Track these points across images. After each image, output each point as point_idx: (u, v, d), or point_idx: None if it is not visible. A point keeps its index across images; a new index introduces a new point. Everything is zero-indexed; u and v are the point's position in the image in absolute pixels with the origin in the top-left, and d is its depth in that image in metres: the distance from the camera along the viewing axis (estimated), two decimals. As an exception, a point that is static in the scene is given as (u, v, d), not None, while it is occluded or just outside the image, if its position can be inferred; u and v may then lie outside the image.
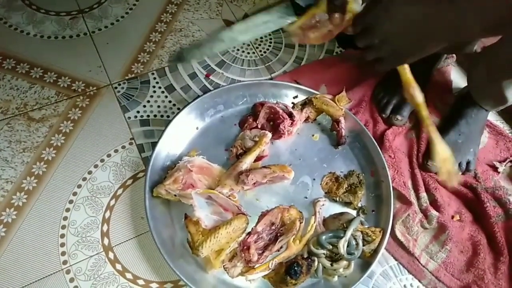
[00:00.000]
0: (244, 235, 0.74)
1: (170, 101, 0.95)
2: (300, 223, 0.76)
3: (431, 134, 0.65)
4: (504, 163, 0.93)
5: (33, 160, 0.85)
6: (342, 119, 0.88)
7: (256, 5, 1.13)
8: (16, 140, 0.87)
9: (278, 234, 0.75)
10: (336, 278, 0.75)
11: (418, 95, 0.64)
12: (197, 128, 0.88)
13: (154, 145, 0.84)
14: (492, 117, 1.00)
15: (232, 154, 0.84)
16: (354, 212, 0.82)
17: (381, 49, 0.62)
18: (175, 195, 0.76)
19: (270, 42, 1.07)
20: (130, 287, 0.75)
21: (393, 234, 0.81)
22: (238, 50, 1.04)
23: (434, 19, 0.56)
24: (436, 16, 0.56)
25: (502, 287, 0.78)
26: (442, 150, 0.66)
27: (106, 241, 0.78)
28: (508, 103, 0.84)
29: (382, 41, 0.61)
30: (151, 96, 0.95)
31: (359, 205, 0.83)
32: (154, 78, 0.98)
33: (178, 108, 0.94)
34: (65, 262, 0.76)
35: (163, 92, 0.96)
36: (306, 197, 0.83)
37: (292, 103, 0.92)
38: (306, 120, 0.91)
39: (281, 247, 0.75)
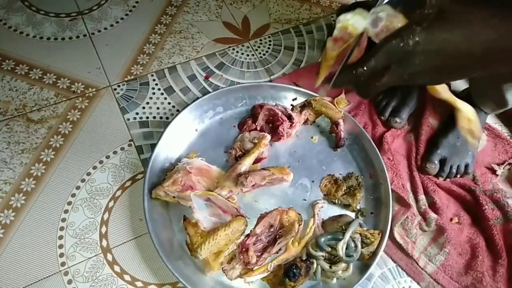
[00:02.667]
0: (242, 237, 0.74)
1: (169, 103, 0.95)
2: (299, 225, 0.76)
3: (451, 99, 0.57)
4: (503, 166, 0.93)
5: (31, 161, 0.85)
6: (341, 122, 0.88)
7: (256, 7, 1.13)
8: (15, 141, 0.87)
9: (277, 236, 0.75)
10: (334, 280, 0.75)
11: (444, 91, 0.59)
12: (196, 130, 0.88)
13: (153, 146, 0.84)
14: (491, 120, 1.00)
15: (231, 156, 0.84)
16: (353, 215, 0.82)
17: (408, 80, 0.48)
18: (174, 197, 0.76)
19: (270, 44, 1.07)
20: (129, 289, 0.75)
21: (391, 237, 0.81)
22: (237, 52, 1.05)
23: (484, 45, 0.43)
24: (485, 42, 0.43)
25: (500, 290, 0.79)
26: (467, 109, 0.62)
27: (104, 243, 0.78)
28: (509, 106, 0.85)
29: (410, 76, 0.47)
30: (150, 98, 0.95)
31: (358, 207, 0.83)
32: (154, 80, 0.98)
33: (177, 110, 0.94)
34: (63, 264, 0.76)
35: (162, 93, 0.96)
36: (305, 199, 0.83)
37: (291, 105, 0.92)
38: (305, 122, 0.91)
39: (279, 249, 0.74)
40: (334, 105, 0.89)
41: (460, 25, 0.43)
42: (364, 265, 0.76)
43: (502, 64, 0.46)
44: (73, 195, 0.82)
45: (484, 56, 0.44)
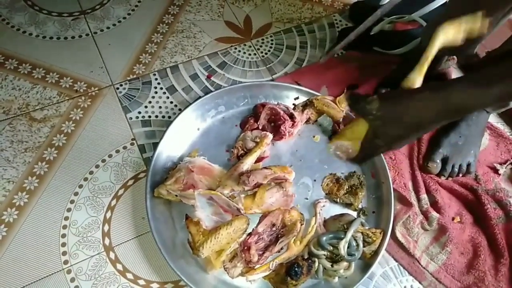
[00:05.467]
0: (244, 235, 0.74)
1: (171, 102, 0.95)
2: (301, 224, 0.76)
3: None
4: (505, 165, 0.93)
5: (34, 160, 0.85)
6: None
7: (258, 7, 1.13)
8: (18, 140, 0.88)
9: (279, 235, 0.75)
10: (336, 279, 0.75)
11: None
12: (198, 129, 0.88)
13: (155, 145, 0.84)
14: (493, 119, 1.00)
15: (233, 155, 0.84)
16: (354, 214, 0.82)
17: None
18: (176, 196, 0.77)
19: (272, 44, 1.07)
20: (131, 287, 0.75)
21: (393, 236, 0.81)
22: (239, 51, 1.05)
23: (436, 107, 0.61)
24: (437, 105, 0.61)
25: (502, 289, 0.79)
26: None
27: (107, 241, 0.79)
28: (510, 105, 0.85)
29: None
30: (153, 97, 0.96)
31: (360, 206, 0.83)
32: (156, 79, 0.98)
33: (180, 109, 0.94)
34: (66, 262, 0.76)
35: (164, 93, 0.96)
36: (307, 198, 0.83)
37: (293, 104, 0.92)
38: (307, 121, 0.91)
39: (281, 248, 0.75)
40: (336, 104, 0.89)
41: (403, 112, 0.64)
42: (366, 264, 0.76)
43: (442, 121, 0.64)
44: (76, 194, 0.83)
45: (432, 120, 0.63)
